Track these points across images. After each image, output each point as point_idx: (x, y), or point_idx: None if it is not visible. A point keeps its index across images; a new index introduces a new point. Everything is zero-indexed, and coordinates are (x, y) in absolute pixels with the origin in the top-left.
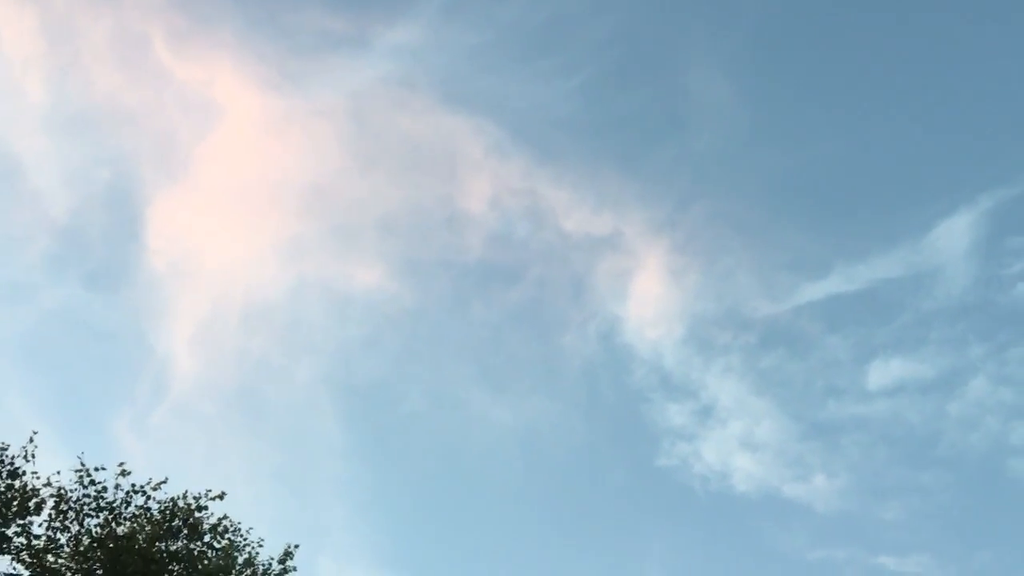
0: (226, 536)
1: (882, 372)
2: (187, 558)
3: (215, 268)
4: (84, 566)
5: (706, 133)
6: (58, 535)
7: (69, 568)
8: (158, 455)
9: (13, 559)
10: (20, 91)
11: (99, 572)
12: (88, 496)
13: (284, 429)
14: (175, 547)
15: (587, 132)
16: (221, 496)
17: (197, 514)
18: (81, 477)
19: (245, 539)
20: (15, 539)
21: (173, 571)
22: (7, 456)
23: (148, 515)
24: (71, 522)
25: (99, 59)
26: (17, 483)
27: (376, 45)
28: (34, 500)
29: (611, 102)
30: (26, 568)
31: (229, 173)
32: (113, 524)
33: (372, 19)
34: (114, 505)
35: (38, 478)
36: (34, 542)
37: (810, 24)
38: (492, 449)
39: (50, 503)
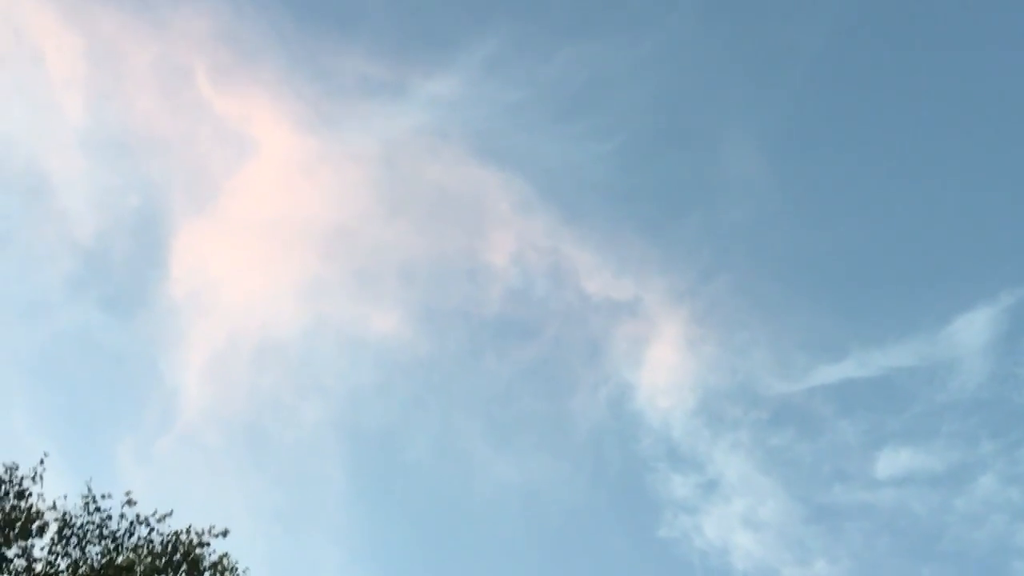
0: (224, 575)
1: (891, 461)
2: None
3: (233, 301)
4: None
5: (734, 206)
6: (58, 560)
7: None
8: (160, 484)
9: None
10: (59, 111)
11: None
12: (92, 523)
13: (287, 468)
14: None
15: (616, 196)
16: (225, 533)
17: (198, 550)
18: (87, 503)
19: None
20: (15, 560)
21: None
22: (16, 476)
23: (149, 547)
24: (72, 548)
25: (141, 86)
26: (23, 504)
27: (414, 94)
28: (38, 523)
29: (643, 167)
30: None
31: (257, 208)
32: (114, 553)
33: (412, 68)
34: (117, 534)
35: (44, 501)
36: (34, 565)
37: (846, 105)
38: (493, 505)
39: (53, 527)
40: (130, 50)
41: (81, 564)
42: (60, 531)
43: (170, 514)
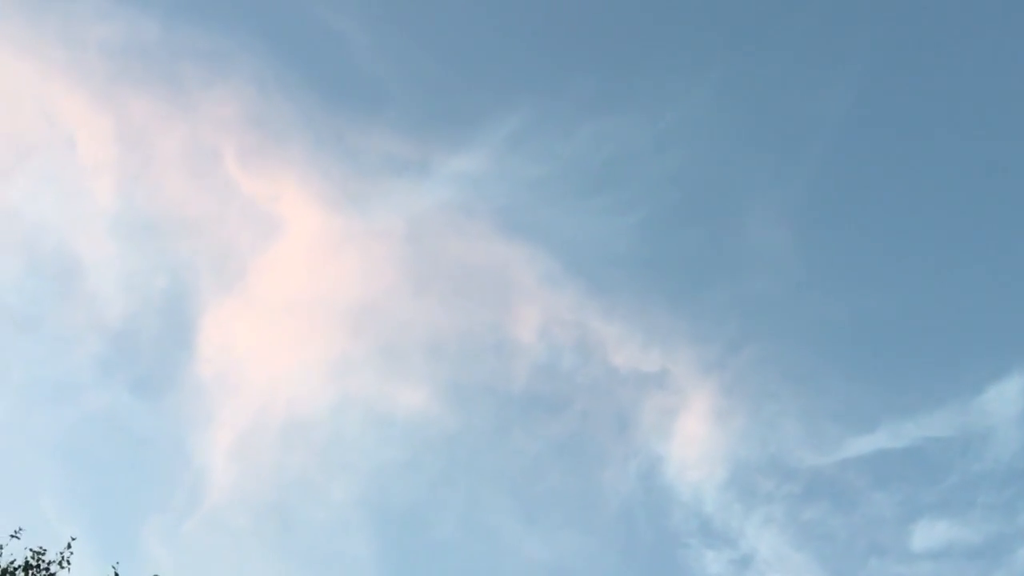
0: None
1: (927, 533)
2: None
3: (260, 380)
4: None
5: (760, 277)
6: None
7: None
8: (187, 566)
9: None
10: (89, 195)
11: None
12: None
13: (315, 548)
14: None
15: (641, 269)
16: None
17: None
18: None
19: None
20: None
21: None
22: (43, 561)
23: None
24: None
25: (170, 168)
26: None
27: (438, 171)
28: None
29: (667, 240)
30: None
31: (284, 287)
32: None
33: (436, 146)
34: None
35: None
36: None
37: (870, 175)
38: None
39: None
40: (159, 134)
41: None
42: None
43: None
